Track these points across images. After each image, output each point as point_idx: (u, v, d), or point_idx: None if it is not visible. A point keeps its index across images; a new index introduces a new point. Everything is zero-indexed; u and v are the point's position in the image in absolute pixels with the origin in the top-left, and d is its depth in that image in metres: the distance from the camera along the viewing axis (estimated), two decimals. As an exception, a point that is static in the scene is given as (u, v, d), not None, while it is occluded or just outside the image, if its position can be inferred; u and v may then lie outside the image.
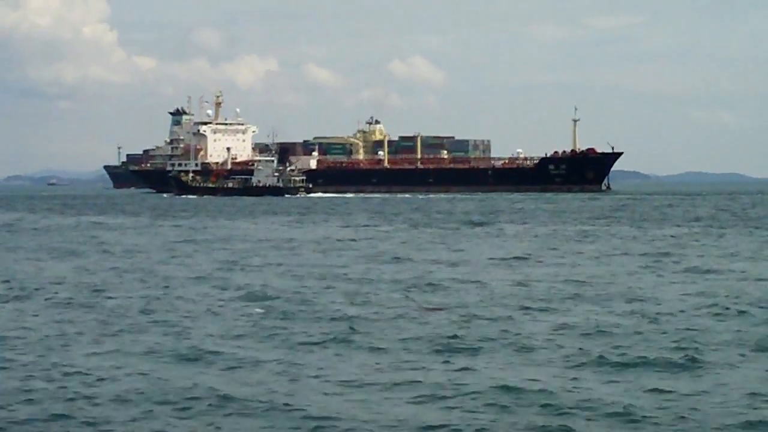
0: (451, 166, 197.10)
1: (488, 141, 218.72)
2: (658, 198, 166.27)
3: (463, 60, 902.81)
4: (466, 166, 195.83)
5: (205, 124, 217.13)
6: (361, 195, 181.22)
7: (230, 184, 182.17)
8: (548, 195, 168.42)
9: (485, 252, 53.30)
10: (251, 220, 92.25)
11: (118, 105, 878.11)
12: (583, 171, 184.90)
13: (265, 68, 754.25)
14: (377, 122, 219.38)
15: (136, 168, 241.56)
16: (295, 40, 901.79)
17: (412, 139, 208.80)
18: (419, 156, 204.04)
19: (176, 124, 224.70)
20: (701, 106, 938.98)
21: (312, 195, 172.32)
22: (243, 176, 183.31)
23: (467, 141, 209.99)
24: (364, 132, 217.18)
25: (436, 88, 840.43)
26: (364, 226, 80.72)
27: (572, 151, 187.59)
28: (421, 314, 30.15)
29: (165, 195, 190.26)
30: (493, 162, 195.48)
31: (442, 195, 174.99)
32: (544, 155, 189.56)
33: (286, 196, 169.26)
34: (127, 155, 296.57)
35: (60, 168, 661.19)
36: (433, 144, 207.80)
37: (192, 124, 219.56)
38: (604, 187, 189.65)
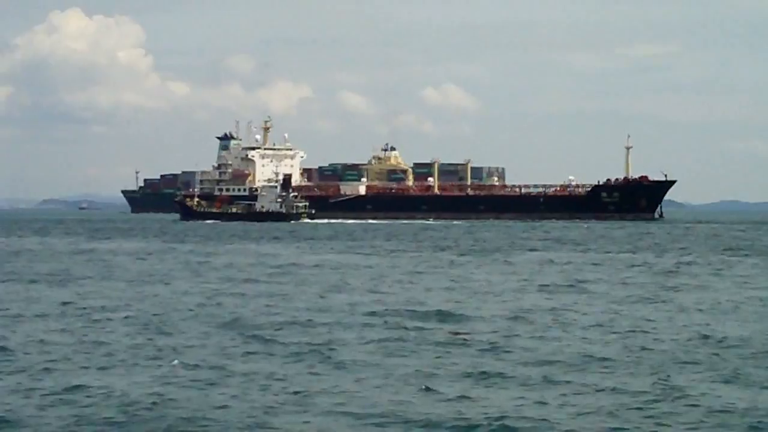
0: (502, 193, 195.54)
1: (503, 168, 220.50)
2: (716, 227, 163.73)
3: (496, 88, 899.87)
4: (517, 193, 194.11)
5: (254, 149, 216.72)
6: (362, 221, 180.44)
7: (234, 210, 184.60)
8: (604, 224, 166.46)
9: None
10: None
11: (152, 130, 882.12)
12: (635, 199, 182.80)
13: (299, 95, 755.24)
14: (393, 149, 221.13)
15: (180, 193, 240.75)
16: (328, 67, 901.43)
17: (428, 165, 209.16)
18: (470, 182, 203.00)
19: (224, 149, 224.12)
20: (736, 135, 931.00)
21: (314, 221, 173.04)
22: (247, 202, 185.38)
23: (481, 168, 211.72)
24: (379, 158, 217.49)
25: (470, 116, 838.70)
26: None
27: (625, 178, 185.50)
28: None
29: (170, 219, 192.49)
30: (544, 189, 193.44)
31: (494, 221, 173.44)
32: (596, 183, 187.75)
33: (291, 222, 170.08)
34: (145, 180, 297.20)
35: (94, 192, 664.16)
36: (449, 171, 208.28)
37: (240, 149, 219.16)
38: (656, 216, 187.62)
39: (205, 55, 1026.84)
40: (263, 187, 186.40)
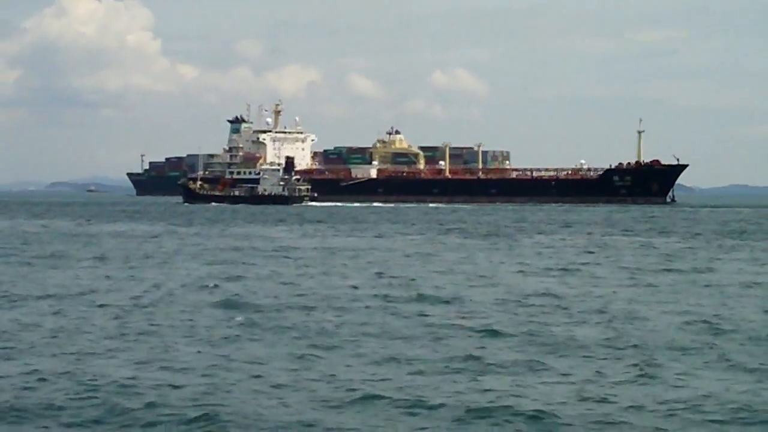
0: (514, 176, 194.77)
1: (507, 152, 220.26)
2: (728, 211, 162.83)
3: (506, 73, 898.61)
4: (529, 176, 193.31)
5: (265, 132, 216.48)
6: (366, 204, 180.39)
7: (237, 193, 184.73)
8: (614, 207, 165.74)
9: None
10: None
11: (161, 113, 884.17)
12: (648, 183, 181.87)
13: (308, 78, 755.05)
14: (397, 132, 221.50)
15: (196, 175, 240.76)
16: (337, 52, 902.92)
17: (434, 149, 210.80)
18: (481, 166, 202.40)
19: (235, 132, 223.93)
20: (746, 119, 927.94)
21: (315, 204, 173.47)
22: (249, 185, 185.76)
23: (487, 152, 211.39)
24: (384, 142, 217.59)
25: (479, 100, 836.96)
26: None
27: (637, 162, 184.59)
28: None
29: (174, 202, 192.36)
30: (556, 173, 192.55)
31: (508, 205, 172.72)
32: (608, 166, 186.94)
33: (293, 205, 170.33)
34: (150, 163, 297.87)
35: (104, 175, 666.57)
36: (453, 154, 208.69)
37: (251, 132, 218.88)
38: (668, 200, 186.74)
39: (214, 38, 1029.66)
40: (265, 170, 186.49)
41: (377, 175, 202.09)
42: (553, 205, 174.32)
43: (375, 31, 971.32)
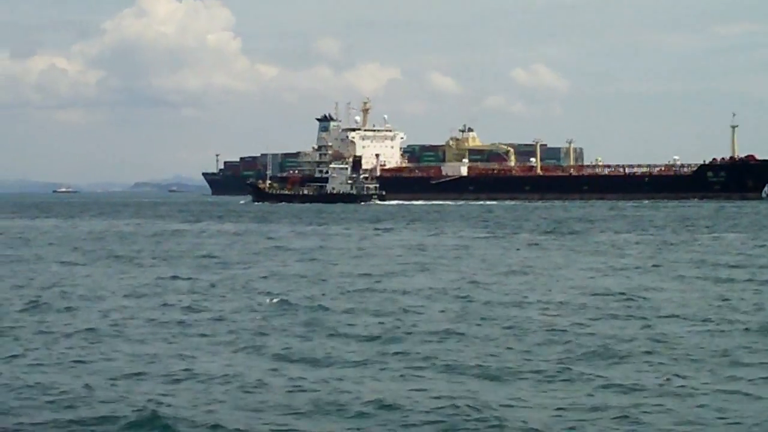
0: (606, 172, 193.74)
1: (581, 149, 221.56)
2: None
3: (587, 68, 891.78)
4: (621, 173, 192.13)
5: (354, 130, 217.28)
6: (444, 202, 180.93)
7: (305, 191, 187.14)
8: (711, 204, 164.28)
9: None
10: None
11: (241, 112, 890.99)
12: (742, 178, 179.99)
13: (387, 76, 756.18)
14: (470, 130, 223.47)
15: (281, 175, 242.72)
16: (416, 49, 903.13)
17: (504, 146, 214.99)
18: (572, 163, 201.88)
19: (324, 131, 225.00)
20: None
21: (384, 202, 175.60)
22: (318, 183, 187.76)
23: (559, 149, 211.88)
24: (457, 139, 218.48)
25: (560, 96, 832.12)
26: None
27: (731, 158, 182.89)
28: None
29: (242, 201, 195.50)
30: (649, 169, 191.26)
31: (599, 202, 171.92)
32: (702, 162, 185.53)
33: (361, 203, 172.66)
34: (225, 162, 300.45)
35: (187, 174, 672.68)
36: (525, 152, 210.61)
37: (340, 130, 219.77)
38: (764, 195, 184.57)
39: (293, 37, 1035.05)
40: (334, 168, 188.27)
41: (468, 172, 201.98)
42: (645, 201, 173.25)
43: (453, 27, 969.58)
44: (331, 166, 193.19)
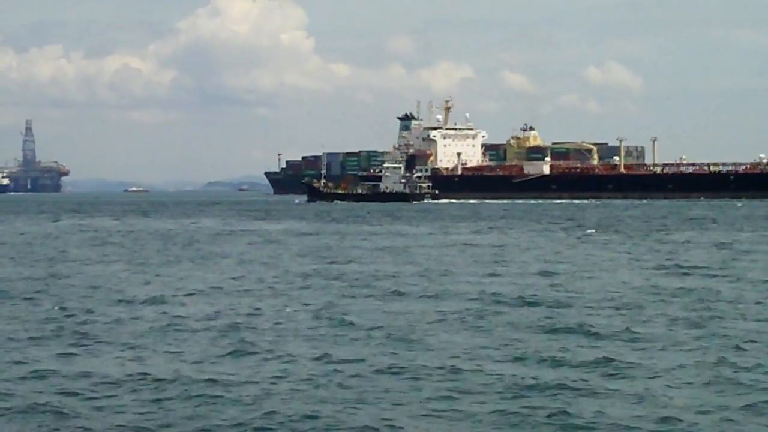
0: (691, 170, 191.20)
1: (642, 147, 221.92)
2: None
3: (661, 66, 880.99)
4: (706, 171, 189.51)
5: (435, 129, 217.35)
6: (486, 201, 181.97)
7: (359, 190, 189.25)
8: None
9: None
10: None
11: (314, 111, 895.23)
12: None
13: (461, 75, 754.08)
14: (531, 128, 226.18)
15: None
16: (489, 48, 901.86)
17: (564, 145, 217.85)
18: (655, 162, 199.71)
19: (405, 129, 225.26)
20: None
21: (438, 201, 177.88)
22: (372, 182, 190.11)
23: (614, 147, 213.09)
24: (518, 138, 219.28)
25: (634, 95, 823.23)
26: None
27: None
28: None
29: (297, 201, 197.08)
30: (735, 167, 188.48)
31: (681, 201, 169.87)
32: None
33: (413, 202, 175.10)
34: (287, 162, 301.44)
35: (258, 174, 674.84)
36: (581, 150, 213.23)
37: (422, 129, 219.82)
38: None
39: (366, 36, 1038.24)
40: (387, 167, 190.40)
41: (550, 171, 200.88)
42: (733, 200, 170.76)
43: (524, 25, 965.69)
44: (384, 165, 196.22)
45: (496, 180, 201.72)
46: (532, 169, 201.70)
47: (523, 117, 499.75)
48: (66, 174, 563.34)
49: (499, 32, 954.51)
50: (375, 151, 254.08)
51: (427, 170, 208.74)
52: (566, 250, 62.43)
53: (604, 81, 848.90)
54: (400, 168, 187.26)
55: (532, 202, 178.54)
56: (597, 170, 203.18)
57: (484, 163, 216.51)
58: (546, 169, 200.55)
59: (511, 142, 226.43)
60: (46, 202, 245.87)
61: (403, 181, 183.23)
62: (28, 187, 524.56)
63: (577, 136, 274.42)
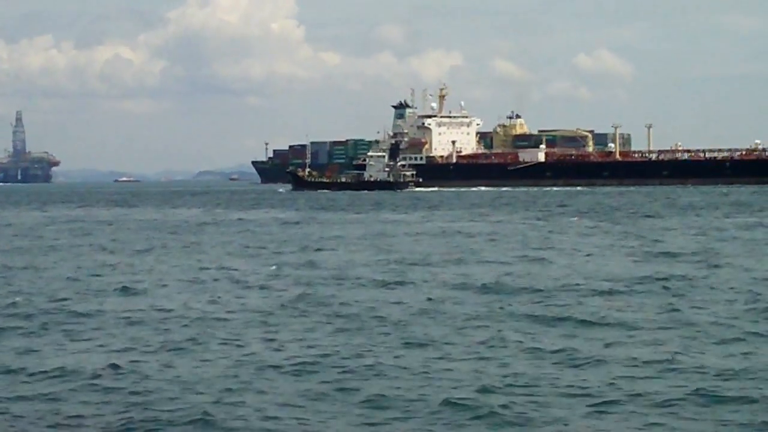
0: (686, 157, 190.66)
1: (628, 135, 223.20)
2: None
3: (652, 53, 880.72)
4: (702, 157, 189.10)
5: (430, 117, 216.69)
6: (476, 189, 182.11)
7: (343, 179, 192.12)
8: None
9: None
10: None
11: (305, 100, 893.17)
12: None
13: (450, 63, 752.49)
14: (518, 116, 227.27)
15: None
16: (479, 35, 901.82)
17: (551, 132, 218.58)
18: (650, 147, 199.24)
19: (399, 118, 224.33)
20: None
21: (420, 189, 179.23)
22: (356, 171, 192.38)
23: (606, 135, 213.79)
24: (504, 126, 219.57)
25: (625, 82, 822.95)
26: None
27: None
28: None
29: (281, 190, 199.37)
30: (731, 154, 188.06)
31: (678, 187, 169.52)
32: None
33: (397, 190, 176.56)
34: (274, 151, 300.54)
35: (249, 163, 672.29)
36: (572, 137, 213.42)
37: (416, 117, 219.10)
38: None
39: (357, 24, 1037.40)
40: (371, 156, 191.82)
41: (546, 158, 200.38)
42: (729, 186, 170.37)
43: (515, 13, 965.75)
44: (368, 154, 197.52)
45: (492, 168, 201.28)
46: (527, 156, 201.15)
47: (514, 104, 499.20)
48: (56, 164, 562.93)
49: (489, 19, 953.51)
50: (362, 140, 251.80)
51: (421, 158, 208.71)
52: (540, 237, 61.93)
53: (594, 68, 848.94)
54: (384, 156, 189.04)
55: (523, 189, 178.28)
56: (592, 157, 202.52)
57: (479, 151, 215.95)
58: (541, 157, 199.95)
59: (498, 129, 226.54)
60: (32, 192, 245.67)
61: (386, 169, 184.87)
62: (19, 177, 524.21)
63: (568, 123, 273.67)
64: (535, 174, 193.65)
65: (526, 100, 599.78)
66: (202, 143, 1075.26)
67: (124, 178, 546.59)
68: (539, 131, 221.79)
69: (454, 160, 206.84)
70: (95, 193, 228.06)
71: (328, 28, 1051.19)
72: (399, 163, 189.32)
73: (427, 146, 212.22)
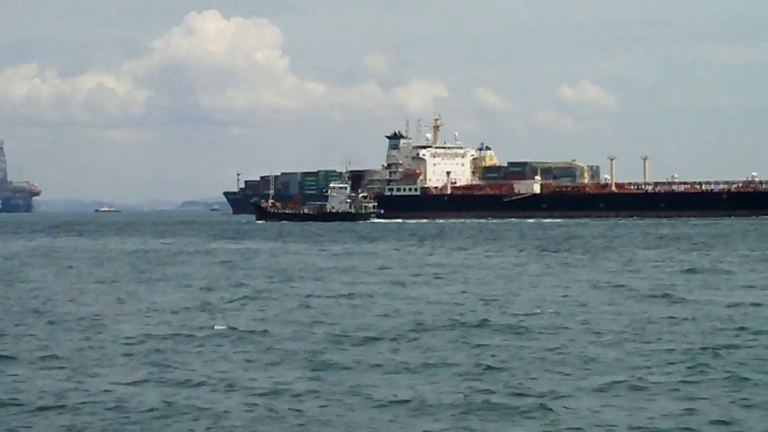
0: (683, 189, 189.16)
1: (597, 167, 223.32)
2: None
3: (635, 84, 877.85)
4: (699, 189, 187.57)
5: (425, 147, 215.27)
6: (427, 221, 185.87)
7: (306, 210, 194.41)
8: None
9: None
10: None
11: (289, 130, 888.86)
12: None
13: (435, 93, 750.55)
14: (488, 148, 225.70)
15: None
16: (464, 66, 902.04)
17: (522, 164, 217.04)
18: (646, 179, 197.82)
19: (393, 148, 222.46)
20: None
21: (381, 220, 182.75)
22: (319, 202, 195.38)
23: (575, 167, 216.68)
24: (475, 158, 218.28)
25: (609, 113, 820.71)
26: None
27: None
28: None
29: (244, 220, 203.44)
30: (728, 186, 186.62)
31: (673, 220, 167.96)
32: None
33: (358, 221, 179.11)
34: (245, 181, 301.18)
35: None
36: (543, 169, 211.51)
37: (411, 147, 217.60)
38: None
39: (342, 54, 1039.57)
40: (333, 187, 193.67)
41: (541, 190, 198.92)
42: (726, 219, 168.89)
43: (501, 42, 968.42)
44: (330, 185, 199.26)
45: (487, 199, 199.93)
46: (522, 187, 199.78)
47: (495, 135, 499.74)
48: (38, 194, 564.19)
49: (473, 50, 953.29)
50: (333, 171, 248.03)
51: (416, 189, 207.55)
52: (474, 268, 63.71)
53: (578, 99, 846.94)
54: (345, 188, 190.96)
55: (515, 220, 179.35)
56: (588, 189, 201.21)
57: (474, 182, 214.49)
58: (536, 188, 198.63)
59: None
60: (9, 223, 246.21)
61: (348, 200, 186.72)
62: (0, 207, 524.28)
63: (555, 155, 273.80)
64: (530, 205, 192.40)
65: (508, 131, 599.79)
66: (187, 173, 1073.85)
67: (105, 208, 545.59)
68: (509, 162, 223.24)
69: (449, 191, 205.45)
70: (65, 224, 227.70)
71: (313, 58, 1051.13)
72: (360, 195, 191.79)
73: (421, 177, 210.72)
